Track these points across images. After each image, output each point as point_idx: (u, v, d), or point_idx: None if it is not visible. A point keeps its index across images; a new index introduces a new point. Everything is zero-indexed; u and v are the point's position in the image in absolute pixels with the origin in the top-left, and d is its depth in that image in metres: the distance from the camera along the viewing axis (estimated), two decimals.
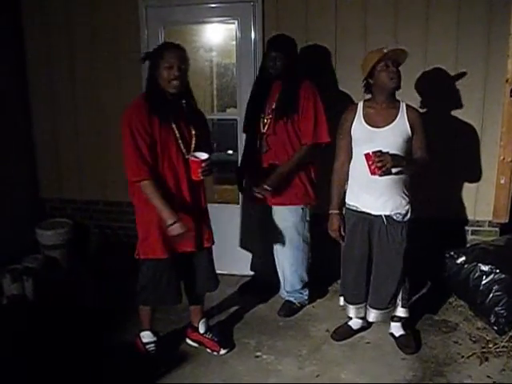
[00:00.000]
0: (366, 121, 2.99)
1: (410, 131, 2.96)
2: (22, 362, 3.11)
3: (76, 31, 4.33)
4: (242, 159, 3.88)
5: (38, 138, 4.64)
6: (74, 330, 3.44)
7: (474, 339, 3.33)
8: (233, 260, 4.24)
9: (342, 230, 3.17)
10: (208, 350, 3.24)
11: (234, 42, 4.07)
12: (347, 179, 3.13)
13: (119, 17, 4.22)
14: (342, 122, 3.11)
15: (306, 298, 3.77)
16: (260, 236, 3.82)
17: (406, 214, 3.03)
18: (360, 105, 3.07)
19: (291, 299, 3.74)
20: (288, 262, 3.65)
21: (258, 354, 3.23)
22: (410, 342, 3.22)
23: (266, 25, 3.93)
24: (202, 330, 3.28)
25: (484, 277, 3.42)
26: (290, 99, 3.38)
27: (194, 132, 2.86)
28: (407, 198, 3.04)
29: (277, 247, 3.68)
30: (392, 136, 2.92)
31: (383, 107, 2.98)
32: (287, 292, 3.74)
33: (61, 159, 4.61)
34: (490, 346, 3.23)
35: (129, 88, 4.12)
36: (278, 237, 3.63)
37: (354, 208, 3.10)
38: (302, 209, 3.57)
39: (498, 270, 3.38)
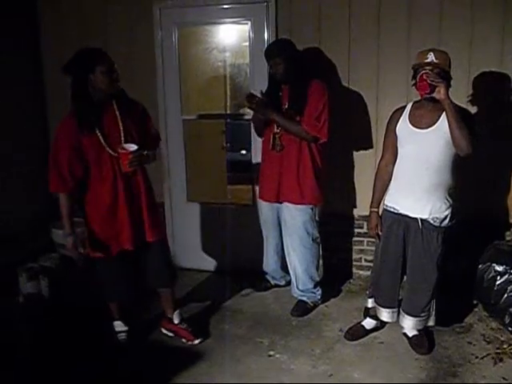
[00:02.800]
0: (410, 121, 2.94)
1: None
2: (38, 360, 3.13)
3: (90, 33, 4.34)
4: None
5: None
6: (89, 329, 3.46)
7: (488, 340, 3.29)
8: (246, 259, 4.25)
9: (379, 228, 3.14)
10: (183, 340, 3.31)
11: (248, 43, 4.08)
12: (390, 179, 3.09)
13: (133, 18, 4.24)
14: (389, 121, 3.08)
15: (319, 297, 3.75)
16: (271, 234, 3.85)
17: (444, 219, 2.96)
18: (409, 105, 3.02)
19: (304, 299, 3.73)
20: (298, 260, 3.65)
21: (272, 353, 3.22)
22: (424, 342, 3.19)
23: (280, 25, 3.93)
24: (176, 320, 3.36)
25: (498, 277, 3.37)
26: (300, 98, 3.42)
27: (121, 127, 2.91)
28: (448, 203, 2.97)
29: (287, 245, 3.69)
30: (434, 138, 2.84)
31: (429, 109, 2.88)
32: (300, 291, 3.73)
33: None
34: (505, 346, 3.19)
35: (144, 88, 4.13)
36: (288, 235, 3.64)
37: (392, 209, 3.05)
38: (312, 208, 3.58)
39: None
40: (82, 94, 2.83)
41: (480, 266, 3.48)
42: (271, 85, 3.60)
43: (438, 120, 2.86)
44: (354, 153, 4.02)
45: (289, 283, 3.91)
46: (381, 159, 3.14)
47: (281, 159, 3.52)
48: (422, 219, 2.95)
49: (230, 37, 4.63)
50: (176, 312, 3.37)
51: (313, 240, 3.64)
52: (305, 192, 3.52)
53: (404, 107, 3.04)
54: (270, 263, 3.97)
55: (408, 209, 2.99)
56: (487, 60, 3.64)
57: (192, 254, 4.38)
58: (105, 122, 2.91)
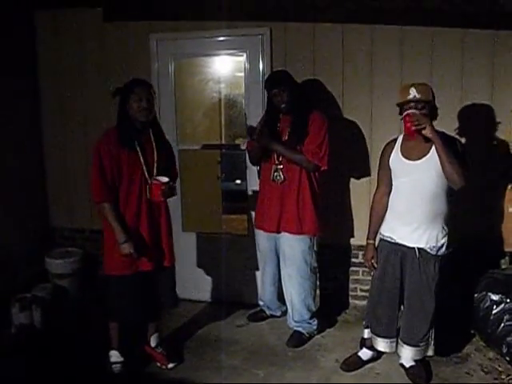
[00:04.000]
0: (402, 153, 3.00)
1: None
2: None
3: (87, 67, 4.40)
4: None
5: (50, 168, 4.68)
6: (83, 359, 3.41)
7: (485, 370, 3.27)
8: (242, 289, 4.25)
9: (375, 260, 3.16)
10: (157, 364, 3.37)
11: (243, 74, 4.12)
12: (386, 210, 3.13)
13: (130, 50, 4.28)
14: (382, 154, 3.14)
15: (315, 327, 3.73)
16: (268, 264, 3.84)
17: (440, 248, 2.98)
18: (400, 137, 3.08)
19: (300, 329, 3.70)
20: (295, 291, 3.64)
21: None
22: (421, 373, 3.16)
23: (275, 56, 3.99)
24: (153, 343, 3.44)
25: (494, 306, 3.38)
26: (302, 127, 3.46)
27: (156, 158, 3.10)
28: (444, 232, 3.00)
29: (284, 276, 3.69)
30: (427, 169, 2.88)
31: (419, 140, 2.90)
32: (295, 322, 3.71)
33: (71, 189, 4.63)
34: (503, 377, 3.17)
35: None
36: (286, 265, 3.64)
37: (389, 239, 3.07)
38: (310, 238, 3.58)
39: (508, 300, 3.34)
40: (123, 115, 3.05)
41: (476, 295, 3.48)
42: (270, 115, 3.63)
43: (429, 151, 2.90)
44: (350, 181, 4.05)
45: (285, 313, 3.90)
46: (376, 192, 3.19)
47: (281, 190, 3.55)
48: (419, 248, 2.97)
49: (226, 68, 4.69)
50: (154, 335, 3.44)
51: (311, 270, 3.63)
52: (305, 222, 3.54)
53: (395, 140, 3.10)
54: (266, 294, 3.95)
55: (405, 238, 3.00)
56: (478, 92, 3.73)
57: (187, 284, 4.31)
58: (143, 147, 3.07)
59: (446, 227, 3.00)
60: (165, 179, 3.06)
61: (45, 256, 4.36)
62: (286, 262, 3.62)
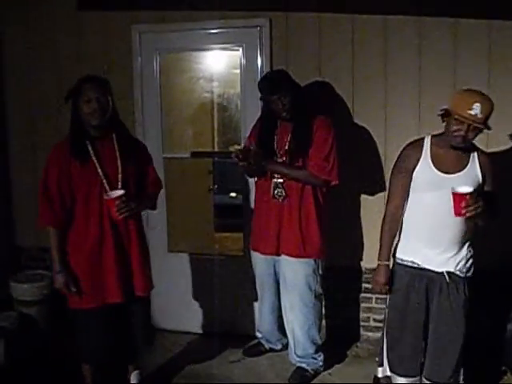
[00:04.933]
0: (434, 164, 2.90)
1: (481, 179, 2.90)
2: None
3: (62, 62, 4.39)
4: None
5: (16, 182, 4.67)
6: None
7: None
8: (236, 319, 4.24)
9: (388, 286, 3.08)
10: None
11: (238, 71, 4.14)
12: (400, 227, 3.07)
13: (109, 43, 4.29)
14: (402, 159, 2.99)
15: (321, 363, 3.71)
16: (266, 291, 3.84)
17: (469, 269, 2.99)
18: (427, 141, 2.95)
19: (303, 365, 3.68)
20: (298, 321, 3.62)
21: None
22: None
23: (275, 51, 4.00)
24: (133, 380, 3.42)
25: None
26: (305, 137, 3.45)
27: (120, 168, 3.01)
28: (472, 251, 3.01)
29: (285, 304, 3.67)
30: (463, 185, 2.79)
31: (453, 150, 2.87)
32: (298, 357, 3.69)
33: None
34: None
35: (122, 120, 4.11)
36: (287, 292, 3.63)
37: (410, 264, 3.00)
38: (315, 261, 3.57)
39: None
40: (75, 121, 2.99)
41: (509, 326, 3.46)
42: (266, 122, 3.63)
43: (466, 164, 2.87)
44: (362, 197, 4.04)
45: (286, 347, 3.88)
46: (388, 203, 3.06)
47: (281, 208, 3.54)
48: (448, 272, 2.94)
49: (219, 64, 4.69)
50: (134, 373, 3.42)
51: (315, 297, 3.62)
52: (308, 243, 3.53)
53: (421, 142, 2.96)
54: (264, 324, 3.94)
55: (431, 262, 2.95)
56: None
57: (174, 313, 4.34)
58: (101, 156, 2.99)
59: (471, 249, 3.01)
60: (119, 192, 2.93)
61: (9, 280, 4.32)
62: (287, 289, 3.61)
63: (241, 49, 4.07)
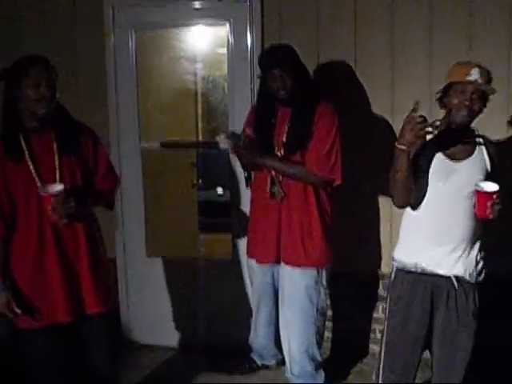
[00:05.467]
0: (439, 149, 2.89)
1: (489, 167, 2.88)
2: None
3: (23, 37, 4.29)
4: None
5: None
6: None
7: None
8: (225, 331, 4.19)
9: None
10: None
11: (225, 50, 4.10)
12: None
13: (79, 19, 4.20)
14: None
15: (322, 381, 3.64)
16: (263, 301, 3.77)
17: (479, 274, 2.93)
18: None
19: None
20: (296, 339, 3.55)
21: None
22: None
23: (267, 28, 3.94)
24: None
25: None
26: (305, 128, 3.35)
27: (56, 161, 2.84)
28: (482, 253, 2.95)
29: (282, 319, 3.61)
30: (471, 172, 2.81)
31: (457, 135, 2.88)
32: (294, 375, 3.62)
33: None
34: None
35: (91, 107, 4.10)
36: (284, 305, 3.56)
37: (413, 269, 2.94)
38: (318, 271, 3.50)
39: None
40: (8, 114, 2.82)
41: None
42: (263, 108, 3.53)
43: (474, 150, 2.86)
44: (375, 198, 3.97)
45: (281, 363, 3.84)
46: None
47: (280, 210, 3.46)
48: (456, 277, 2.88)
49: (203, 43, 4.61)
50: None
51: (317, 311, 3.55)
52: (311, 251, 3.45)
53: None
54: (259, 337, 3.88)
55: (437, 265, 2.89)
56: None
57: (153, 325, 4.32)
58: (36, 152, 2.84)
59: (481, 250, 2.96)
60: (56, 187, 2.73)
61: None
62: (286, 301, 3.54)
63: (228, 24, 4.02)
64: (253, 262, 3.67)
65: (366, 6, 3.84)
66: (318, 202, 3.43)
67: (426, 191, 2.88)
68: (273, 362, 3.95)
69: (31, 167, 2.80)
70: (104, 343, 3.09)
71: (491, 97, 2.83)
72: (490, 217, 2.65)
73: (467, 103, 2.73)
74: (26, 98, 2.76)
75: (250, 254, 3.70)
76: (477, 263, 2.91)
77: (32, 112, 2.79)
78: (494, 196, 2.62)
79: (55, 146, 2.86)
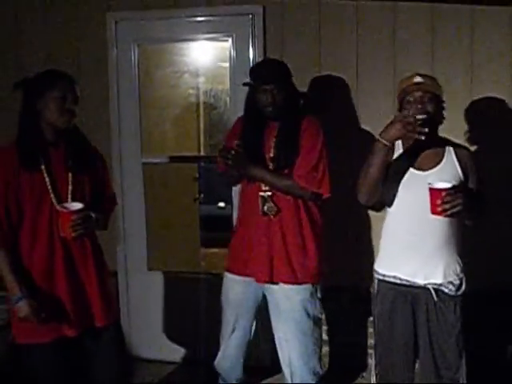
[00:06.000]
0: (407, 161, 2.94)
1: (462, 175, 2.91)
2: None
3: (26, 51, 4.32)
4: None
5: None
6: None
7: None
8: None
9: None
10: None
11: (228, 64, 4.11)
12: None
13: (81, 33, 4.23)
14: None
15: None
16: (241, 319, 3.67)
17: (460, 286, 2.93)
18: (398, 143, 2.99)
19: None
20: (296, 353, 3.49)
21: None
22: None
23: (269, 42, 3.96)
24: None
25: None
26: (292, 143, 3.33)
27: (71, 179, 2.87)
28: (461, 264, 2.96)
29: (280, 336, 3.53)
30: (441, 180, 2.80)
31: (425, 146, 2.90)
32: None
33: None
34: None
35: (93, 121, 4.06)
36: (280, 321, 3.50)
37: (392, 280, 2.98)
38: (313, 285, 3.46)
39: None
40: (29, 120, 2.82)
41: None
42: (252, 121, 3.47)
43: (442, 159, 2.91)
44: (366, 210, 3.93)
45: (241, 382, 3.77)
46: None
47: (272, 225, 3.39)
48: (434, 287, 2.91)
49: (206, 57, 4.64)
50: None
51: (314, 323, 3.50)
52: (306, 267, 3.40)
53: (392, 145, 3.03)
54: (230, 357, 3.73)
55: (415, 275, 2.92)
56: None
57: (154, 339, 4.30)
58: (51, 164, 2.85)
59: (460, 259, 2.97)
60: (77, 206, 2.77)
61: None
62: (282, 318, 3.47)
63: (230, 39, 4.04)
64: (234, 277, 3.56)
65: (368, 20, 3.85)
66: (310, 217, 3.39)
67: (394, 199, 2.96)
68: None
69: (46, 179, 2.80)
70: (111, 356, 3.07)
71: None
72: (443, 215, 2.67)
73: (420, 106, 2.80)
74: (48, 110, 2.78)
75: (234, 270, 3.57)
76: (456, 275, 2.92)
77: (52, 125, 2.81)
78: (444, 193, 2.64)
79: (69, 162, 2.88)
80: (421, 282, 2.91)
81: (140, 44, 4.18)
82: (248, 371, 3.71)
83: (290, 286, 3.40)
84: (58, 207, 2.77)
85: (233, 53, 4.02)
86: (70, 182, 2.86)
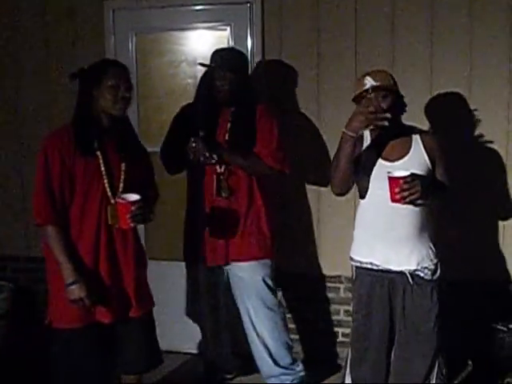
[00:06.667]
0: (376, 153, 3.01)
1: (429, 163, 2.98)
2: None
3: (21, 46, 4.35)
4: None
5: None
6: None
7: None
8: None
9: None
10: None
11: None
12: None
13: (79, 21, 4.24)
14: None
15: (302, 373, 3.67)
16: (213, 307, 3.76)
17: (435, 271, 3.00)
18: (366, 134, 3.07)
19: (288, 382, 3.62)
20: (267, 328, 3.57)
21: None
22: None
23: (267, 31, 3.97)
24: None
25: None
26: (247, 127, 3.42)
27: (124, 168, 2.92)
28: (435, 250, 3.03)
29: (247, 314, 3.60)
30: (408, 171, 2.86)
31: (392, 137, 3.00)
32: (282, 368, 3.61)
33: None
34: None
35: None
36: (246, 299, 3.56)
37: (369, 266, 3.03)
38: (271, 261, 3.57)
39: None
40: (84, 107, 2.90)
41: None
42: (206, 104, 3.50)
43: (409, 149, 2.98)
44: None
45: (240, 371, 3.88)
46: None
47: (228, 207, 3.46)
48: (410, 272, 2.97)
49: (204, 46, 4.59)
50: None
51: (277, 298, 3.63)
52: (263, 244, 3.51)
53: (361, 137, 3.07)
54: (216, 346, 3.86)
55: (390, 261, 2.99)
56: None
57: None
58: (106, 154, 2.89)
59: (433, 246, 3.04)
60: (135, 197, 2.82)
61: None
62: (245, 296, 3.55)
63: (228, 28, 4.06)
64: (195, 267, 3.66)
65: (367, 9, 3.86)
66: (263, 196, 3.50)
67: (366, 191, 3.02)
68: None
69: (102, 165, 2.85)
70: (150, 340, 3.11)
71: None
72: (402, 202, 2.75)
73: (376, 104, 2.86)
74: (103, 98, 2.84)
75: (192, 258, 3.65)
76: (430, 260, 2.99)
77: (106, 112, 2.86)
78: (401, 181, 2.72)
79: (123, 151, 2.94)
80: (396, 268, 2.98)
81: (138, 33, 4.19)
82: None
83: (251, 263, 3.49)
84: (117, 199, 2.82)
85: (231, 42, 4.03)
86: (122, 172, 2.91)
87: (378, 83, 2.90)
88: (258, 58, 3.95)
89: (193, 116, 3.52)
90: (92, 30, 4.21)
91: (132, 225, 2.82)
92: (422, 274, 2.96)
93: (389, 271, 2.99)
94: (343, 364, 3.32)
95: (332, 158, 3.06)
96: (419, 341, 3.00)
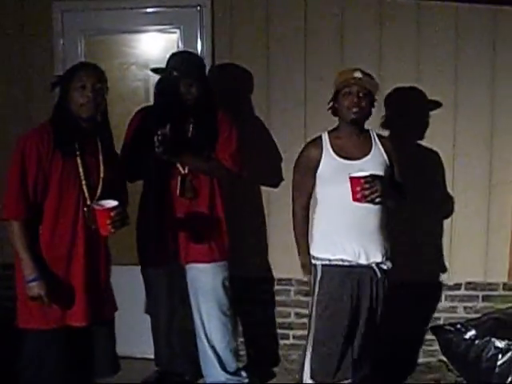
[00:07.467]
0: (336, 154, 3.09)
1: (388, 163, 3.14)
2: None
3: None
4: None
5: None
6: None
7: None
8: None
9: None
10: None
11: None
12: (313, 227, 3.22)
13: (26, 23, 4.18)
14: (303, 160, 3.18)
15: (247, 380, 3.68)
16: (163, 309, 3.73)
17: (387, 260, 3.16)
18: (325, 137, 3.17)
19: None
20: (218, 333, 3.57)
21: None
22: None
23: (217, 34, 3.98)
24: None
25: (500, 355, 3.40)
26: (209, 132, 3.46)
27: (102, 174, 2.92)
28: (388, 242, 3.17)
29: (200, 319, 3.58)
30: (372, 169, 2.99)
31: (353, 137, 3.13)
32: (230, 374, 3.61)
33: None
34: None
35: (40, 114, 3.90)
36: (202, 301, 3.56)
37: (340, 263, 3.09)
38: (225, 265, 3.58)
39: None
40: (60, 109, 2.90)
41: (477, 342, 3.49)
42: (166, 109, 3.44)
43: (371, 148, 3.13)
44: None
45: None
46: (294, 204, 3.25)
47: (189, 208, 3.47)
48: (377, 264, 3.11)
49: (154, 49, 4.61)
50: None
51: (231, 305, 3.62)
52: (221, 245, 3.54)
53: (318, 139, 3.19)
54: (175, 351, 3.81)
55: (360, 256, 3.09)
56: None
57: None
58: (85, 156, 2.89)
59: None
60: (113, 203, 2.80)
61: None
62: (202, 298, 3.54)
63: (178, 31, 4.06)
64: (150, 268, 3.63)
65: (317, 8, 3.90)
66: (222, 198, 3.53)
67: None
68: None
69: (80, 168, 2.85)
70: (112, 346, 3.13)
71: None
72: (363, 201, 2.86)
73: (356, 100, 3.01)
74: (72, 100, 2.84)
75: (149, 261, 3.61)
76: (387, 253, 3.15)
77: (75, 114, 2.85)
78: (362, 181, 2.83)
79: (101, 154, 2.94)
80: (365, 262, 3.08)
81: (87, 35, 4.15)
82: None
83: (210, 265, 3.50)
84: (95, 206, 2.80)
85: (181, 45, 4.02)
86: (101, 174, 2.92)
87: (367, 79, 3.05)
88: (207, 61, 3.92)
89: (153, 121, 3.46)
90: (41, 32, 4.15)
91: (112, 231, 2.80)
92: (384, 267, 3.11)
93: (358, 266, 3.08)
94: (297, 367, 3.36)
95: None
96: (374, 332, 3.17)
